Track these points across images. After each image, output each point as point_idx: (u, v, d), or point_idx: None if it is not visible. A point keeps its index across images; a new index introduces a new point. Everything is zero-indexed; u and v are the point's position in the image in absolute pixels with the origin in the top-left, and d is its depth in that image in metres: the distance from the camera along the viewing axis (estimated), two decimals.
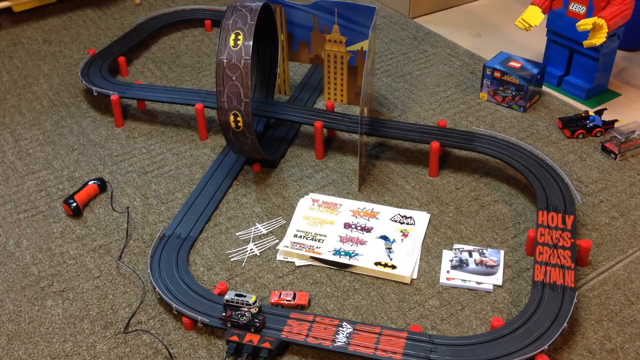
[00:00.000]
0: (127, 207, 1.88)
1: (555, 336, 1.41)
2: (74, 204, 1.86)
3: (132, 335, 1.54)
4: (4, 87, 2.49)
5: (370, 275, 1.67)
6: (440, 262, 1.69)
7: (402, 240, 1.75)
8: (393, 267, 1.67)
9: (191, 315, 1.52)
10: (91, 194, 1.92)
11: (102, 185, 1.96)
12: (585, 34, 2.07)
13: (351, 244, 1.74)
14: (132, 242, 1.79)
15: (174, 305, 1.54)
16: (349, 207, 1.87)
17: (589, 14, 2.12)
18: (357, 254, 1.70)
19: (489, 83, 2.26)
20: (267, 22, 2.07)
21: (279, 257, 1.73)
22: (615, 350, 1.47)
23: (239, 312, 1.47)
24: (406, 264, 1.68)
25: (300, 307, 1.58)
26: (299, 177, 1.99)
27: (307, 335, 1.46)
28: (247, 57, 1.73)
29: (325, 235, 1.77)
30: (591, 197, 1.87)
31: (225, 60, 1.74)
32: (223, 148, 2.10)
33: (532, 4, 2.19)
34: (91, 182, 1.94)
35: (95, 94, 2.26)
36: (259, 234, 1.80)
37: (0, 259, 1.76)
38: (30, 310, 1.62)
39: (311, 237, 1.76)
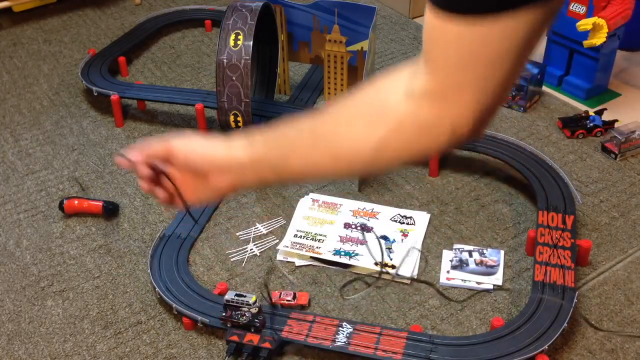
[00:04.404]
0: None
1: (555, 336, 1.41)
2: (62, 204, 1.85)
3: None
4: (4, 87, 2.50)
5: (370, 275, 1.67)
6: (440, 262, 1.69)
7: (402, 240, 1.75)
8: (393, 267, 1.67)
9: (191, 315, 1.52)
10: (90, 209, 1.85)
11: (110, 210, 1.85)
12: (585, 34, 2.07)
13: (351, 244, 1.74)
14: (132, 242, 1.79)
15: (174, 305, 1.54)
16: (349, 207, 1.87)
17: (589, 14, 2.12)
18: (357, 254, 1.70)
19: None
20: (267, 22, 2.07)
21: (279, 257, 1.73)
22: (615, 350, 1.47)
23: (239, 312, 1.47)
24: (406, 264, 1.67)
25: (300, 307, 1.58)
26: None
27: (307, 335, 1.46)
28: (247, 57, 1.73)
29: (325, 235, 1.77)
30: (591, 197, 1.87)
31: (225, 60, 1.74)
32: None
33: None
34: (100, 202, 1.85)
35: (95, 94, 2.27)
36: (259, 234, 1.80)
37: (0, 259, 1.76)
38: (30, 310, 1.62)
39: (311, 237, 1.76)
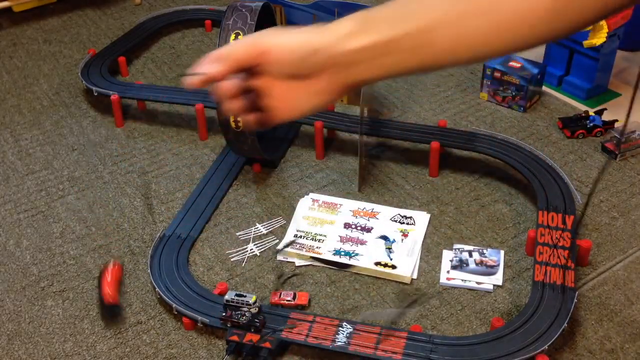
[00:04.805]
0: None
1: (555, 336, 1.41)
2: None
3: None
4: (4, 87, 2.50)
5: (370, 275, 1.67)
6: (440, 262, 1.69)
7: (402, 240, 1.75)
8: (393, 267, 1.67)
9: (191, 315, 1.52)
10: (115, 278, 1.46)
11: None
12: (585, 34, 2.07)
13: (351, 244, 1.74)
14: (132, 242, 1.79)
15: (174, 305, 1.54)
16: (349, 207, 1.87)
17: None
18: (357, 254, 1.70)
19: (489, 83, 2.26)
20: (267, 22, 2.07)
21: (279, 257, 1.73)
22: (615, 350, 1.47)
23: (239, 312, 1.47)
24: (406, 264, 1.68)
25: (300, 307, 1.58)
26: (299, 177, 1.99)
27: (307, 335, 1.46)
28: None
29: (325, 235, 1.77)
30: (591, 197, 1.87)
31: None
32: (223, 148, 2.10)
33: None
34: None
35: (95, 94, 2.27)
36: (259, 234, 1.80)
37: (0, 259, 1.76)
38: (30, 310, 1.62)
39: (311, 237, 1.76)
